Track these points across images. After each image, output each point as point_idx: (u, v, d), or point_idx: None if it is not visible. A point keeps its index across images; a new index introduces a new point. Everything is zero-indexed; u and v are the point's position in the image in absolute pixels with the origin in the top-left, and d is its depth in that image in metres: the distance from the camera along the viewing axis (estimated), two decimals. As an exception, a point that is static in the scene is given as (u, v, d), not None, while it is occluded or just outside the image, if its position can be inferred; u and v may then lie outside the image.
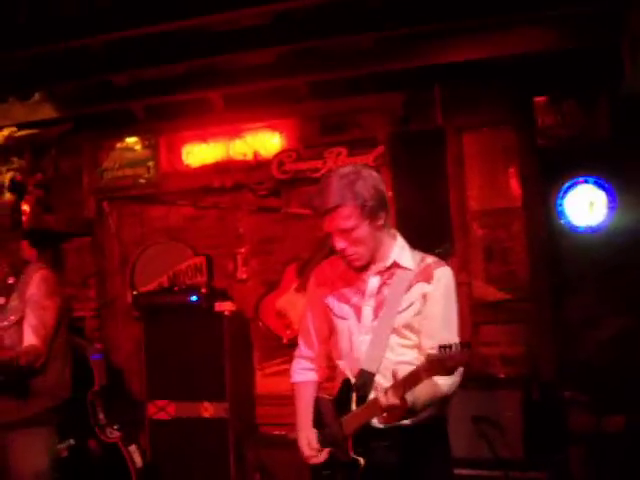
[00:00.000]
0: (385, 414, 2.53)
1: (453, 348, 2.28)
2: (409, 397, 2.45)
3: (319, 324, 2.94)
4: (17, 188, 5.80)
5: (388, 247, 2.75)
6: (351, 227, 2.61)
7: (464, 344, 2.29)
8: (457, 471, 3.30)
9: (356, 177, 2.61)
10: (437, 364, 2.31)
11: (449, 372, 2.34)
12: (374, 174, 2.70)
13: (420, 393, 2.49)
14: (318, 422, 2.87)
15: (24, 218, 5.61)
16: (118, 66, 5.07)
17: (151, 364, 5.51)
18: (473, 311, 5.23)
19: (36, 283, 3.71)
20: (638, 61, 4.11)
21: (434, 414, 2.70)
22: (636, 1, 4.00)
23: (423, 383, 2.44)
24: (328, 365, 2.99)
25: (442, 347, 2.30)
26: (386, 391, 2.48)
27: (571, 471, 4.45)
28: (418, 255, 2.78)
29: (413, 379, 2.41)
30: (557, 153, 4.98)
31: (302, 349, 3.02)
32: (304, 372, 3.00)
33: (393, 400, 2.43)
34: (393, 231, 2.82)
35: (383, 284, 2.73)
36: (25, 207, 5.72)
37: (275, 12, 4.48)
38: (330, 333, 2.91)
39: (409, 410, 2.48)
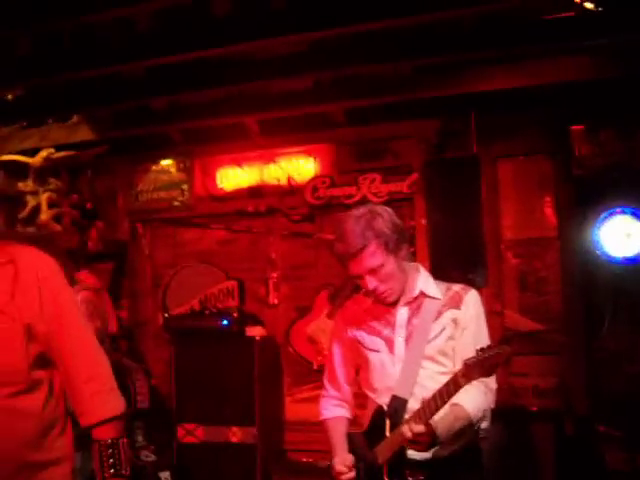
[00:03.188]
0: (412, 444, 2.52)
1: (490, 348, 2.33)
2: (433, 422, 2.46)
3: (346, 366, 2.95)
4: (90, 214, 5.87)
5: (413, 278, 2.78)
6: (379, 265, 2.64)
7: (502, 340, 2.36)
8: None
9: (372, 216, 2.65)
10: (474, 366, 2.35)
11: (489, 372, 2.37)
12: (388, 209, 2.74)
13: (441, 418, 2.50)
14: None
15: (90, 243, 5.69)
16: (156, 91, 5.13)
17: (181, 387, 5.51)
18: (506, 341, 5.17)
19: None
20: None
21: (467, 444, 2.68)
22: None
23: (444, 408, 2.47)
24: (356, 403, 3.00)
25: (479, 350, 2.34)
26: (409, 420, 2.51)
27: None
28: (443, 285, 2.80)
29: (449, 390, 2.43)
30: (594, 183, 4.92)
31: (329, 390, 3.02)
32: (334, 408, 3.00)
33: (417, 428, 2.45)
34: (415, 263, 2.87)
35: (412, 315, 2.75)
36: (94, 233, 5.81)
37: (312, 40, 4.51)
38: (357, 371, 2.92)
39: (433, 436, 2.47)
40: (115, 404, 2.33)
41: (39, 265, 2.31)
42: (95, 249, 5.72)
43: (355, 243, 2.60)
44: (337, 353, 2.97)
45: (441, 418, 2.51)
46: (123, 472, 2.28)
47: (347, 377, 2.96)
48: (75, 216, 5.95)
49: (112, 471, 2.27)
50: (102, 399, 2.30)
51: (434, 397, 2.48)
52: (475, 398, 2.58)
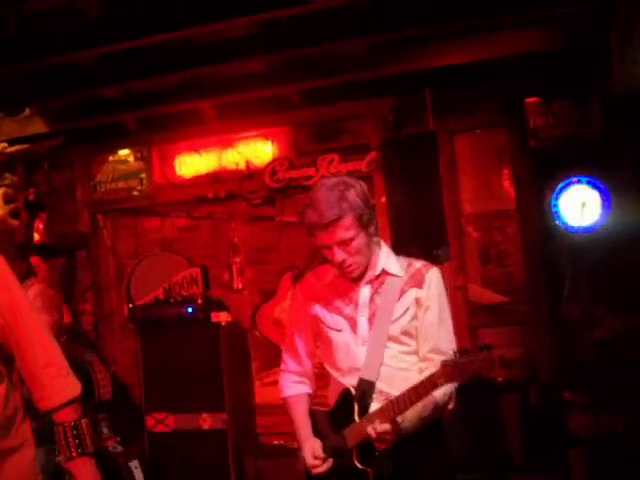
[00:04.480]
0: (377, 442, 2.51)
1: (470, 353, 2.28)
2: (399, 418, 2.45)
3: (306, 339, 2.89)
4: (32, 206, 5.78)
5: (375, 255, 2.73)
6: (350, 237, 2.58)
7: (482, 347, 2.27)
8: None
9: (345, 187, 2.59)
10: (453, 369, 2.31)
11: (469, 379, 2.32)
12: (360, 181, 2.69)
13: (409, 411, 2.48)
14: (314, 434, 2.82)
15: (36, 235, 5.59)
16: (109, 79, 5.07)
17: (149, 377, 5.47)
18: (470, 314, 5.22)
19: (32, 298, 3.67)
20: (626, 59, 4.11)
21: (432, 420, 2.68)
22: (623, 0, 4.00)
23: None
24: (318, 384, 2.96)
25: (457, 352, 2.29)
26: (374, 417, 2.50)
27: (572, 474, 4.42)
28: (404, 261, 2.76)
29: (425, 389, 2.41)
30: (550, 154, 4.98)
31: (289, 365, 2.95)
32: (295, 385, 2.94)
33: (382, 427, 2.44)
34: (377, 239, 2.80)
35: (374, 293, 2.71)
36: (39, 224, 5.70)
37: (263, 21, 4.47)
38: (317, 346, 2.88)
39: (399, 433, 2.48)
40: (74, 386, 2.40)
41: None
42: (41, 241, 5.63)
43: (329, 213, 2.54)
44: (297, 326, 2.91)
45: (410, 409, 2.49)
46: (89, 450, 2.37)
47: (308, 351, 2.90)
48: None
49: (79, 450, 2.34)
50: (61, 382, 2.37)
51: (406, 395, 2.45)
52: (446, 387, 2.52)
